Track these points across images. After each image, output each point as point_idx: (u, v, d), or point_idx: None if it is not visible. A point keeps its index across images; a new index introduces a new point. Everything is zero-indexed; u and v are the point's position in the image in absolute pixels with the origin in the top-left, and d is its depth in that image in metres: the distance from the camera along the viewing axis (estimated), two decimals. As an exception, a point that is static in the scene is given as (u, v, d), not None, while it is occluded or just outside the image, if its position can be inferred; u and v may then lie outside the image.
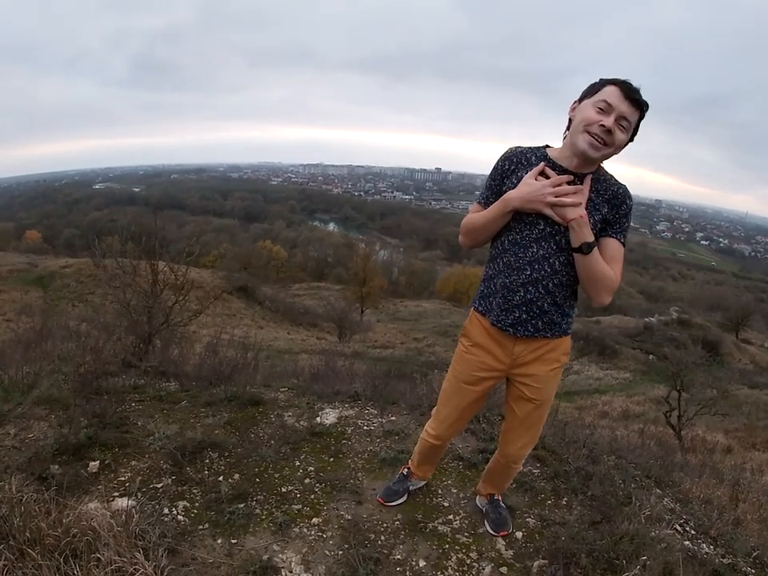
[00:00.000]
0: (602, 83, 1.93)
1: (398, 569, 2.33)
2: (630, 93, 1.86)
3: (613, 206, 1.99)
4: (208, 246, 52.45)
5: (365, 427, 3.62)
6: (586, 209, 1.94)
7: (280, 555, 2.32)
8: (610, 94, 1.88)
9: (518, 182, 2.00)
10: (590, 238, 1.92)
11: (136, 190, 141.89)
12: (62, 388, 3.52)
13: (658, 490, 3.27)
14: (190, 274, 5.66)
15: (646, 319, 34.36)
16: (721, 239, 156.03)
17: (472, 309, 2.30)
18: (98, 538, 1.96)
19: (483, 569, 2.38)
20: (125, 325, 5.11)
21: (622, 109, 1.86)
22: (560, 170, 2.00)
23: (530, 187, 1.95)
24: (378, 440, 3.46)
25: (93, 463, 2.77)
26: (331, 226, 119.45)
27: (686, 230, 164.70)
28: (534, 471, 3.24)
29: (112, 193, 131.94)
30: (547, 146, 2.11)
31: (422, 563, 2.38)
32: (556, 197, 1.92)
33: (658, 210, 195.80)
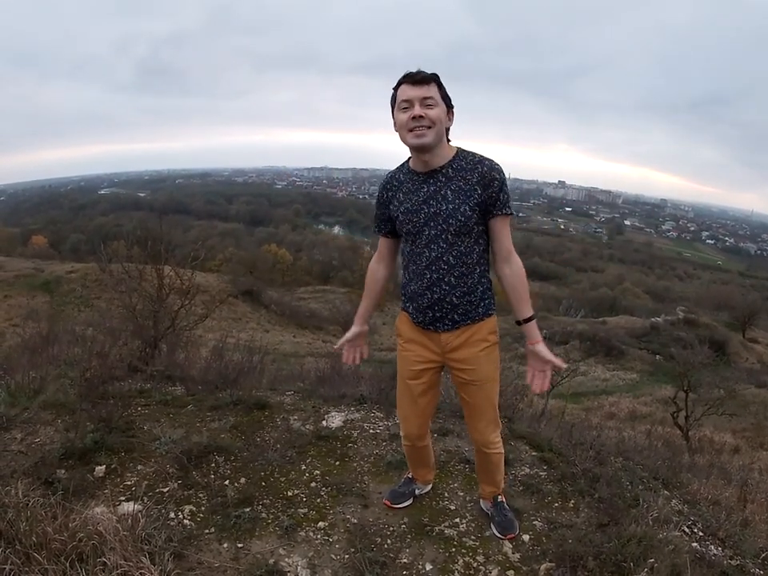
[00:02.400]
0: (394, 90, 2.11)
1: (404, 572, 2.32)
2: (415, 78, 2.03)
3: (485, 187, 2.12)
4: (213, 251, 52.47)
5: (371, 430, 3.62)
6: (456, 199, 2.11)
7: (286, 559, 2.31)
8: (402, 92, 2.06)
9: (398, 203, 2.23)
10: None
11: (141, 194, 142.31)
12: (69, 392, 3.53)
13: (665, 492, 3.25)
14: (195, 278, 5.68)
15: (653, 319, 34.29)
16: (726, 238, 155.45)
17: (401, 308, 2.44)
18: (104, 542, 1.96)
19: (490, 572, 2.37)
20: (131, 329, 5.12)
21: (416, 94, 2.02)
22: (417, 175, 2.19)
23: None
24: (384, 443, 3.46)
25: (99, 467, 2.78)
26: (336, 229, 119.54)
27: (692, 229, 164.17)
28: (541, 474, 3.23)
29: (117, 198, 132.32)
30: (409, 158, 2.25)
31: (428, 567, 2.37)
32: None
33: (664, 209, 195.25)
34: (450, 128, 2.17)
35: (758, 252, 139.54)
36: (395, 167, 2.31)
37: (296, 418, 3.70)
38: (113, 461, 2.89)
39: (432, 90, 2.04)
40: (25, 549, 1.88)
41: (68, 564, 1.85)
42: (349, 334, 2.52)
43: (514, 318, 2.25)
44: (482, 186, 2.11)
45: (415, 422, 2.54)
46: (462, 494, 2.96)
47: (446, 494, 2.93)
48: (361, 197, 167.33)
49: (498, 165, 2.15)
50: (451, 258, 2.16)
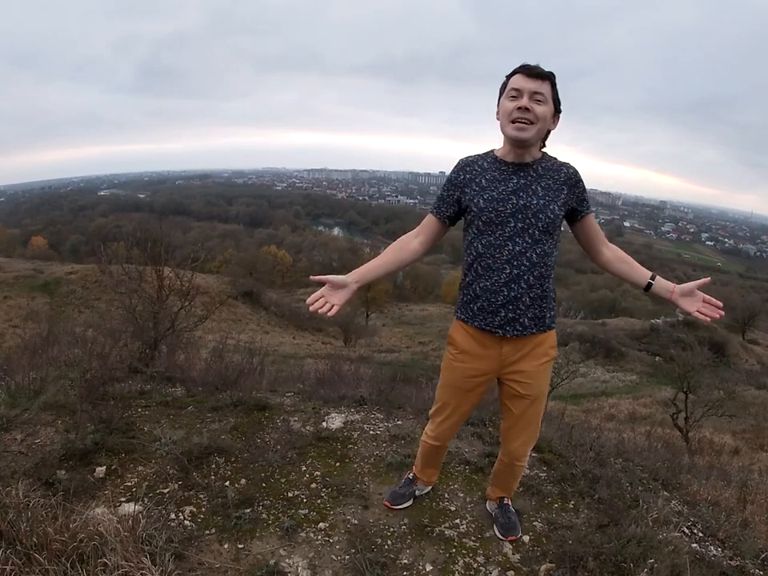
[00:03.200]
0: (507, 78, 2.06)
1: (404, 573, 2.32)
2: (531, 71, 1.99)
3: (571, 187, 2.11)
4: (213, 252, 52.49)
5: (371, 432, 3.62)
6: (546, 196, 2.07)
7: (287, 560, 2.32)
8: (515, 81, 2.01)
9: (479, 189, 2.12)
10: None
11: (141, 196, 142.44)
12: (69, 394, 3.53)
13: (665, 493, 3.25)
14: (195, 279, 5.68)
15: (652, 321, 34.24)
16: (726, 239, 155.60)
17: (455, 318, 2.33)
18: (104, 542, 1.96)
19: (490, 573, 2.38)
20: (131, 330, 5.12)
21: (529, 86, 1.98)
22: (506, 165, 2.11)
23: None
24: (385, 444, 3.46)
25: (99, 468, 2.78)
26: (336, 231, 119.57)
27: (691, 230, 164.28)
28: (541, 475, 3.23)
29: (117, 199, 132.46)
30: (494, 149, 2.20)
31: (428, 567, 2.37)
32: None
33: (663, 210, 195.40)
34: (552, 133, 2.12)
35: (758, 253, 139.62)
36: (476, 154, 2.23)
37: (296, 419, 3.70)
38: (113, 462, 2.89)
39: (545, 87, 2.00)
40: (25, 549, 1.88)
41: (69, 565, 1.85)
42: (335, 276, 2.12)
43: (641, 285, 2.20)
44: (569, 187, 2.10)
45: (452, 426, 2.52)
46: (462, 494, 2.96)
47: (447, 495, 2.94)
48: (360, 198, 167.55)
49: (577, 170, 2.14)
50: (534, 255, 2.08)
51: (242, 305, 32.99)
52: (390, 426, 3.74)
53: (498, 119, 2.09)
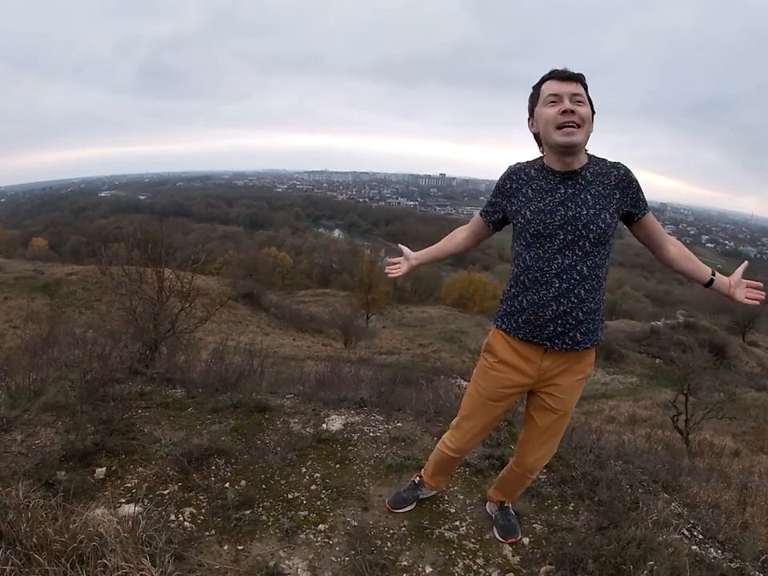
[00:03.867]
0: (537, 88, 2.02)
1: (404, 575, 2.32)
2: (563, 74, 1.95)
3: (623, 190, 2.02)
4: (213, 253, 52.55)
5: (371, 434, 3.62)
6: (597, 204, 1.99)
7: (286, 561, 2.32)
8: (550, 87, 1.96)
9: (526, 200, 2.05)
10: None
11: (142, 197, 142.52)
12: (69, 395, 3.53)
13: (665, 495, 3.25)
14: (195, 281, 5.67)
15: (653, 323, 34.28)
16: (726, 241, 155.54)
17: (495, 326, 2.27)
18: (104, 543, 1.96)
19: (490, 575, 2.38)
20: (131, 332, 5.12)
21: (567, 89, 1.93)
22: (552, 174, 2.03)
23: None
24: (385, 446, 3.46)
25: (99, 469, 2.78)
26: (336, 233, 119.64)
27: (692, 232, 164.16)
28: (541, 477, 3.22)
29: (118, 200, 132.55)
30: (542, 156, 2.12)
31: (428, 569, 2.37)
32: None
33: (663, 213, 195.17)
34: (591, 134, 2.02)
35: (758, 255, 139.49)
36: (527, 160, 2.16)
37: (296, 420, 3.70)
38: (113, 463, 2.89)
39: (580, 88, 1.95)
40: (25, 550, 1.88)
41: (68, 565, 1.86)
42: (405, 249, 2.52)
43: (703, 281, 2.20)
44: (621, 190, 2.02)
45: (475, 439, 2.46)
46: (462, 497, 2.96)
47: (446, 497, 2.93)
48: (361, 200, 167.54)
49: (627, 167, 2.05)
50: (585, 267, 2.00)
51: (243, 306, 32.98)
52: (390, 428, 3.74)
53: (533, 130, 2.06)
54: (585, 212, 1.97)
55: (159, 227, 6.32)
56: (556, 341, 2.08)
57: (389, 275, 2.50)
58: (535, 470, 2.47)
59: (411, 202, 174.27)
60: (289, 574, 2.25)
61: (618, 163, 2.05)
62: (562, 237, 1.99)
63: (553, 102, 1.94)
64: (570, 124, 1.91)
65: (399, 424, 3.81)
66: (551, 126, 1.94)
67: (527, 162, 2.14)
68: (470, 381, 2.43)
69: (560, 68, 1.97)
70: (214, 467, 2.98)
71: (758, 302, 2.13)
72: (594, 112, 2.00)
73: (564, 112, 1.91)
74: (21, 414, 3.24)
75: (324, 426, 3.65)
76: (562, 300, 2.02)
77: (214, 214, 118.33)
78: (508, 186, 2.12)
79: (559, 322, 2.04)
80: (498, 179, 2.19)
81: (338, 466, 3.16)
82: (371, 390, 4.45)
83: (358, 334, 31.28)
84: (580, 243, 1.98)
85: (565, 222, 1.98)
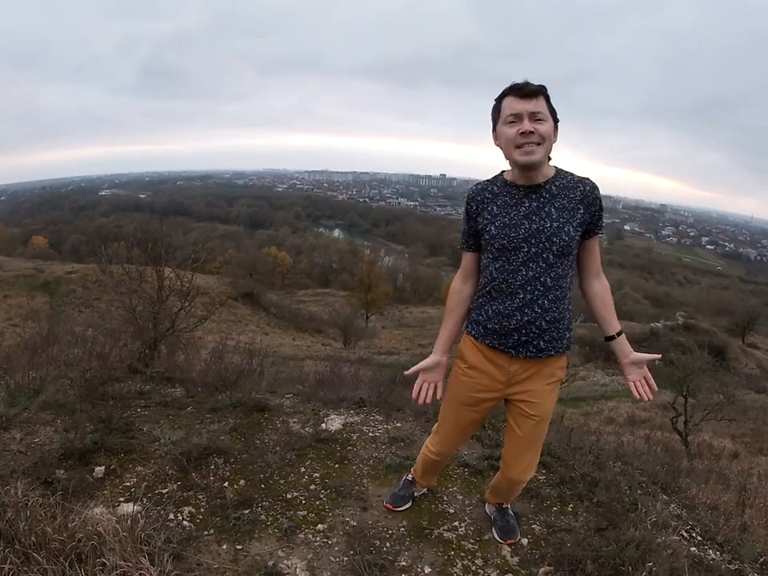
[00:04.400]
0: (498, 101, 2.02)
1: (403, 575, 2.32)
2: (522, 91, 1.94)
3: (587, 206, 2.04)
4: (213, 253, 52.54)
5: (370, 434, 3.62)
6: (561, 218, 2.01)
7: (285, 561, 2.32)
8: (509, 104, 1.97)
9: (491, 216, 2.08)
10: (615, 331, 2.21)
11: (142, 196, 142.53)
12: (68, 393, 3.53)
13: (664, 496, 3.25)
14: (195, 280, 5.67)
15: (652, 324, 34.24)
16: (726, 243, 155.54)
17: (465, 333, 2.31)
18: (103, 542, 1.96)
19: (489, 575, 2.38)
20: (131, 330, 5.12)
21: (527, 108, 1.93)
22: (516, 189, 2.06)
23: None
24: (384, 446, 3.46)
25: (98, 468, 2.78)
26: (336, 233, 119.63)
27: (692, 234, 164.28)
28: (540, 478, 3.23)
29: (118, 199, 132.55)
30: (503, 171, 2.15)
31: (427, 569, 2.37)
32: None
33: (663, 214, 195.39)
34: (554, 144, 2.03)
35: (758, 257, 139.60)
36: (486, 179, 2.18)
37: (295, 420, 3.70)
38: (112, 462, 2.89)
39: (541, 104, 1.95)
40: (24, 549, 1.88)
41: (67, 564, 1.85)
42: (425, 363, 2.29)
43: (605, 333, 2.22)
44: (585, 206, 2.03)
45: (455, 442, 2.51)
46: (460, 497, 2.96)
47: (445, 498, 2.94)
48: (361, 200, 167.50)
49: (595, 184, 2.07)
50: (549, 279, 2.03)
51: (242, 306, 33.01)
52: (389, 428, 3.74)
53: (497, 145, 2.07)
54: (548, 225, 2.00)
55: (159, 226, 6.32)
56: (520, 349, 2.12)
57: (426, 402, 2.32)
58: (523, 482, 2.47)
59: (411, 202, 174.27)
60: (287, 573, 2.25)
61: (586, 179, 2.08)
62: (526, 249, 2.02)
63: (512, 121, 1.96)
64: (529, 144, 1.94)
65: (398, 424, 3.82)
66: (511, 146, 1.97)
67: (487, 180, 2.17)
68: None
69: (520, 81, 1.96)
70: (213, 466, 2.98)
71: (638, 396, 2.18)
72: (557, 121, 2.02)
73: (523, 133, 1.93)
74: (20, 412, 3.24)
75: (323, 425, 3.65)
76: (525, 310, 2.06)
77: (214, 213, 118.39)
78: (473, 207, 2.14)
79: (523, 331, 2.08)
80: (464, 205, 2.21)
81: (337, 465, 3.16)
82: (370, 390, 4.45)
83: (357, 333, 31.32)
84: (544, 255, 2.02)
85: (529, 235, 2.01)
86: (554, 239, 1.99)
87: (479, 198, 2.13)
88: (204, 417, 3.61)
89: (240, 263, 53.22)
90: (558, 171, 2.08)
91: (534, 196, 2.04)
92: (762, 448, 13.79)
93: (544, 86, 1.96)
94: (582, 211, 2.03)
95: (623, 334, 2.20)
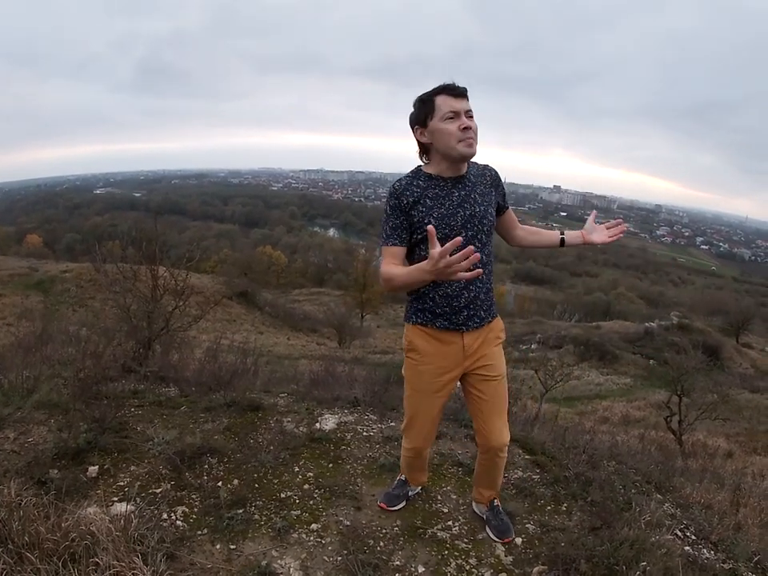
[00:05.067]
0: (430, 99, 2.15)
1: (397, 575, 2.32)
2: (457, 91, 2.13)
3: (496, 187, 2.34)
4: (208, 252, 52.42)
5: (364, 433, 3.62)
6: (484, 201, 2.26)
7: (279, 561, 2.31)
8: (444, 102, 2.12)
9: (426, 209, 2.19)
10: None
11: (137, 195, 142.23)
12: (62, 392, 3.52)
13: (658, 496, 3.26)
14: (190, 279, 5.65)
15: (647, 324, 34.32)
16: (721, 243, 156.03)
17: (409, 324, 2.40)
18: (96, 542, 1.95)
19: (482, 575, 2.38)
20: (125, 330, 5.10)
21: (462, 106, 2.12)
22: (444, 180, 2.23)
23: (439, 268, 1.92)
24: (378, 446, 3.46)
25: (92, 468, 2.77)
26: (331, 232, 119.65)
27: (686, 234, 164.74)
28: (534, 477, 3.23)
29: (113, 198, 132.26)
30: (419, 167, 2.30)
31: (421, 569, 2.37)
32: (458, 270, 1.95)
33: (658, 214, 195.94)
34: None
35: (752, 258, 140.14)
36: (403, 175, 2.29)
37: (289, 420, 3.70)
38: (106, 461, 2.88)
39: (469, 104, 2.15)
40: (17, 548, 1.87)
41: (60, 564, 1.85)
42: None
43: (554, 245, 2.51)
44: (494, 187, 2.33)
45: (429, 435, 2.58)
46: (454, 496, 2.96)
47: (439, 497, 2.94)
48: (357, 199, 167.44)
49: (495, 169, 2.37)
50: (483, 256, 2.20)
51: (237, 305, 32.96)
52: (383, 427, 3.74)
53: (423, 140, 2.21)
54: (477, 209, 2.23)
55: (154, 225, 6.29)
56: (469, 323, 2.30)
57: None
58: (504, 447, 2.50)
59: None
60: (281, 573, 2.25)
61: (488, 165, 2.37)
62: (464, 234, 2.17)
63: (451, 117, 2.11)
64: (470, 138, 2.13)
65: (393, 423, 3.82)
66: (454, 140, 2.13)
67: (408, 176, 2.27)
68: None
69: (449, 82, 2.14)
70: (206, 466, 2.97)
71: (621, 235, 2.46)
72: None
73: (465, 128, 2.11)
74: (13, 411, 3.23)
75: (317, 425, 3.65)
76: (470, 287, 2.25)
77: (209, 212, 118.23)
78: (404, 201, 2.20)
79: (471, 306, 2.28)
80: (385, 204, 2.26)
81: (331, 465, 3.16)
82: (365, 389, 4.45)
83: (352, 333, 31.30)
84: (479, 237, 2.23)
85: (465, 221, 2.21)
86: (484, 221, 2.24)
87: (408, 193, 2.22)
88: (198, 416, 3.61)
89: (235, 262, 53.18)
90: (469, 164, 2.30)
91: (459, 185, 2.24)
92: (756, 447, 13.86)
93: (465, 87, 2.16)
94: (493, 194, 2.32)
95: (565, 231, 2.52)
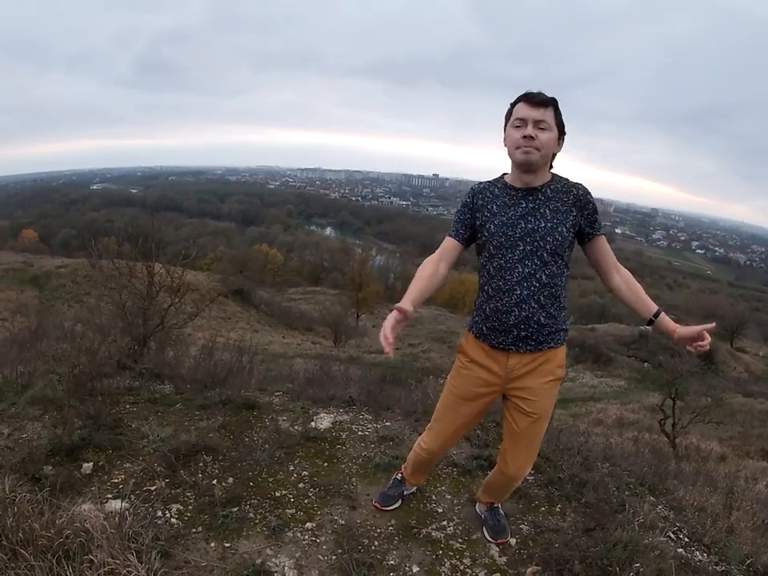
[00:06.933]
0: (512, 105, 2.14)
1: (391, 574, 2.33)
2: (534, 99, 2.06)
3: (580, 209, 2.14)
4: (204, 249, 52.44)
5: (359, 432, 3.62)
6: (554, 219, 2.11)
7: (273, 559, 2.31)
8: (519, 109, 2.08)
9: (490, 214, 2.18)
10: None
11: (133, 191, 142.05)
12: (57, 389, 3.51)
13: (651, 498, 3.26)
14: (186, 276, 5.64)
15: (641, 327, 34.35)
16: (716, 248, 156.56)
17: (466, 329, 2.38)
18: (91, 539, 1.95)
19: (477, 575, 2.38)
20: (120, 326, 5.09)
21: (533, 115, 2.05)
22: (515, 191, 2.17)
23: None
24: (373, 445, 3.46)
25: (86, 465, 2.77)
26: (328, 231, 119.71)
27: (682, 238, 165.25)
28: (528, 478, 3.23)
29: (109, 193, 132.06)
30: (504, 174, 2.26)
31: (415, 569, 2.37)
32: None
33: (654, 218, 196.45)
34: (557, 154, 2.17)
35: (748, 262, 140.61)
36: (488, 179, 2.30)
37: (285, 418, 3.69)
38: (100, 458, 2.88)
39: (548, 114, 2.06)
40: (11, 545, 1.87)
41: (54, 561, 1.84)
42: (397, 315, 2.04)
43: (645, 317, 2.22)
44: (578, 208, 2.13)
45: (447, 440, 2.52)
46: (449, 497, 2.97)
47: (434, 497, 2.94)
48: (353, 199, 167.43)
49: (587, 189, 2.18)
50: (544, 276, 2.13)
51: (233, 303, 32.93)
52: (378, 427, 3.74)
53: (505, 146, 2.16)
54: (543, 225, 2.11)
55: (150, 221, 6.27)
56: (520, 344, 2.20)
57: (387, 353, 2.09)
58: (519, 478, 2.49)
59: (404, 202, 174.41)
60: (275, 572, 2.25)
61: (579, 184, 2.18)
62: (521, 247, 2.12)
63: (518, 125, 2.07)
64: (528, 147, 2.05)
65: (388, 423, 3.82)
66: (513, 147, 2.09)
67: (489, 181, 2.28)
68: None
69: (535, 91, 2.09)
70: (201, 464, 2.97)
71: (703, 349, 2.15)
72: (563, 133, 2.15)
73: (525, 137, 2.05)
74: (8, 407, 3.22)
75: (312, 424, 3.64)
76: (523, 306, 2.14)
77: (205, 209, 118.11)
78: (476, 202, 2.24)
79: (522, 326, 2.17)
80: (464, 198, 2.30)
81: (326, 464, 3.16)
82: (360, 388, 4.45)
83: (347, 332, 31.30)
84: (538, 253, 2.11)
85: (525, 234, 2.12)
86: (548, 238, 2.09)
87: (480, 196, 2.23)
88: (193, 414, 3.60)
89: (231, 260, 53.10)
90: (554, 177, 2.19)
91: (530, 198, 2.14)
92: (749, 451, 13.90)
93: (555, 99, 2.08)
94: (574, 213, 2.13)
95: (662, 313, 2.22)
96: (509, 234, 2.13)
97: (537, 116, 2.04)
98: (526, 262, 2.12)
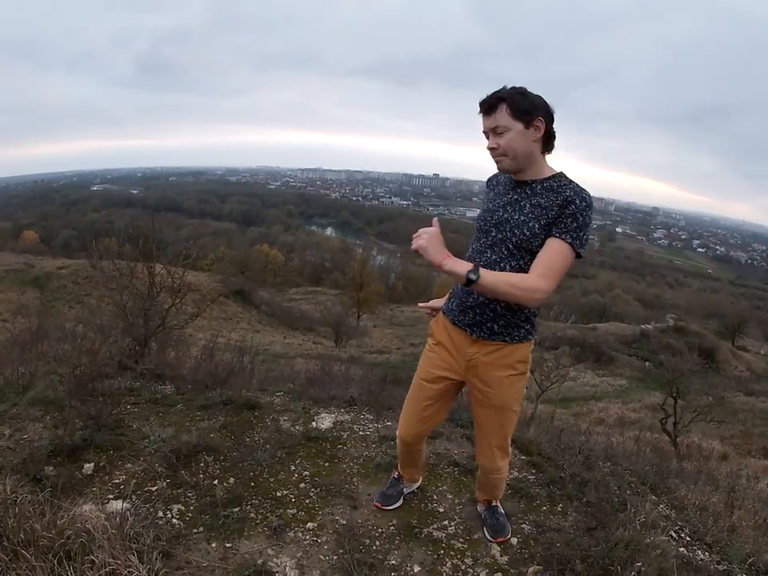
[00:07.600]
0: None
1: (392, 574, 2.32)
2: (482, 108, 2.05)
3: (561, 208, 2.02)
4: (205, 250, 52.45)
5: (360, 432, 3.62)
6: (531, 213, 2.07)
7: (274, 559, 2.31)
8: (481, 121, 2.08)
9: (486, 199, 2.31)
10: (464, 270, 1.91)
11: (134, 191, 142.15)
12: (58, 389, 3.51)
13: (653, 497, 3.26)
14: (186, 277, 5.64)
15: (643, 326, 34.42)
16: (717, 247, 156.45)
17: (443, 311, 2.42)
18: (92, 540, 1.95)
19: (478, 575, 2.38)
20: (121, 327, 5.09)
21: (487, 125, 2.06)
22: (510, 181, 2.21)
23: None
24: (374, 445, 3.46)
25: (87, 465, 2.77)
26: (329, 231, 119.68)
27: (683, 237, 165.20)
28: (530, 477, 3.24)
29: (110, 194, 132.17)
30: None
31: (416, 568, 2.37)
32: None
33: (655, 217, 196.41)
34: (540, 137, 2.05)
35: (749, 261, 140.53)
36: None
37: (286, 418, 3.69)
38: (101, 458, 2.88)
39: (500, 117, 2.00)
40: (12, 546, 1.87)
41: (56, 561, 1.84)
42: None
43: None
44: (560, 207, 2.01)
45: (414, 426, 2.52)
46: (450, 496, 2.96)
47: (435, 497, 2.94)
48: (354, 199, 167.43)
49: (587, 196, 2.02)
50: (508, 267, 2.10)
51: (234, 303, 32.95)
52: (379, 426, 3.74)
53: None
54: (516, 217, 2.10)
55: (151, 222, 6.27)
56: (475, 328, 2.23)
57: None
58: (494, 470, 2.51)
59: (404, 202, 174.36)
60: (277, 572, 2.24)
61: (579, 188, 2.04)
62: (493, 234, 2.16)
63: (486, 137, 2.10)
64: (497, 157, 2.09)
65: (389, 423, 3.81)
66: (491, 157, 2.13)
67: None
68: None
69: (484, 97, 2.03)
70: (202, 464, 2.97)
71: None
72: (532, 117, 2.00)
73: (489, 149, 2.09)
74: (9, 408, 3.22)
75: (313, 424, 3.64)
76: None
77: (206, 209, 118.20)
78: (488, 188, 2.36)
79: (478, 310, 2.20)
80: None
81: (327, 464, 3.16)
82: (361, 388, 4.45)
83: (348, 332, 31.31)
84: (506, 244, 2.12)
85: (498, 222, 2.15)
86: (516, 231, 2.09)
87: (491, 183, 2.34)
88: (194, 414, 3.60)
89: (231, 260, 53.19)
90: (555, 175, 2.11)
91: (518, 190, 2.16)
92: (751, 450, 13.90)
93: (503, 95, 1.99)
94: (554, 212, 2.03)
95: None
96: (486, 219, 2.19)
97: (490, 124, 2.04)
98: (495, 248, 2.15)
